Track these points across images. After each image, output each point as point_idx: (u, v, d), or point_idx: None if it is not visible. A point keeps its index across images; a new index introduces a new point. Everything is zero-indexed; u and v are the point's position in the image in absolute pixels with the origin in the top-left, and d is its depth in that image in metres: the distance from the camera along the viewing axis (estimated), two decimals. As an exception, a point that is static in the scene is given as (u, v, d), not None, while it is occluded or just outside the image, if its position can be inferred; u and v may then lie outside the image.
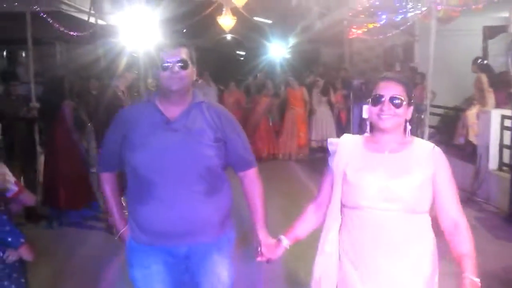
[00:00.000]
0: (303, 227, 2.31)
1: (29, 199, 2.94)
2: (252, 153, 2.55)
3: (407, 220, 2.02)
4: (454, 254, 2.03)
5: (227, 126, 2.40)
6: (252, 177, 2.51)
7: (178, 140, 2.31)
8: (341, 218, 2.13)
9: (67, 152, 5.69)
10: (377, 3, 10.99)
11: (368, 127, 2.16)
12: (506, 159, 6.42)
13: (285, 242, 2.29)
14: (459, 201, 2.09)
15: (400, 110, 2.05)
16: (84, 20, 11.32)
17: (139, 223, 2.36)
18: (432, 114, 8.43)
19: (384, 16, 11.07)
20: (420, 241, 2.05)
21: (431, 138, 8.47)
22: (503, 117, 6.49)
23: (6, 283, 2.59)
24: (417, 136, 7.92)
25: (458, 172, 7.43)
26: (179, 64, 2.29)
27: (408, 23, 10.48)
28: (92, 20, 11.44)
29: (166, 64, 2.27)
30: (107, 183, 2.53)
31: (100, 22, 11.95)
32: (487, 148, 6.61)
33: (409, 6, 9.68)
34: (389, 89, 2.06)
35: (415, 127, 9.00)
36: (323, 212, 2.23)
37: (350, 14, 12.87)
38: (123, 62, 11.38)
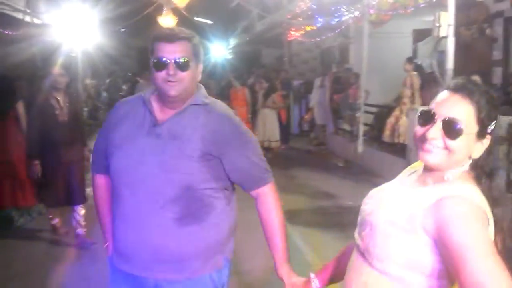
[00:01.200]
0: (341, 267, 1.66)
1: None
2: (266, 167, 2.04)
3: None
4: None
5: (228, 137, 1.92)
6: (264, 198, 2.02)
7: (156, 147, 1.86)
8: None
9: (18, 153, 5.54)
10: (314, 6, 11.40)
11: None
12: (432, 153, 6.92)
13: (316, 283, 1.79)
14: None
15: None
16: (18, 19, 11.01)
17: (113, 239, 2.01)
18: (366, 112, 8.91)
19: (320, 19, 11.52)
20: None
21: (365, 135, 8.96)
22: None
23: None
24: (352, 133, 8.31)
25: (389, 165, 7.95)
26: (177, 63, 1.84)
27: (343, 26, 10.99)
28: (27, 18, 11.15)
29: (161, 62, 1.84)
30: (97, 186, 2.12)
31: (35, 20, 11.66)
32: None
33: (344, 10, 10.14)
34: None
35: (351, 125, 9.47)
36: None
37: (289, 16, 13.24)
38: (59, 62, 11.23)
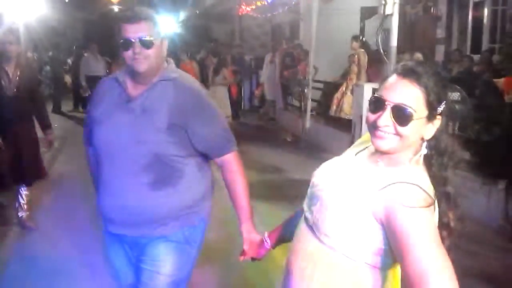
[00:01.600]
0: (290, 229, 1.77)
1: None
2: (229, 137, 2.21)
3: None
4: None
5: (193, 110, 2.07)
6: (228, 165, 2.19)
7: (129, 121, 2.04)
8: None
9: None
10: (265, -20, 11.37)
11: None
12: (376, 128, 7.14)
13: (268, 242, 1.96)
14: None
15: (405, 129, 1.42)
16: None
17: (99, 204, 2.23)
18: (314, 88, 9.05)
19: (271, -6, 11.50)
20: None
21: (312, 111, 9.11)
22: (374, 90, 7.15)
23: None
24: (301, 109, 8.36)
25: (335, 140, 8.14)
26: (142, 41, 1.98)
27: (294, 2, 11.02)
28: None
29: (127, 42, 1.98)
30: (89, 157, 2.32)
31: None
32: (360, 118, 7.29)
33: (294, -15, 10.16)
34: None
35: (300, 100, 9.60)
36: None
37: (239, -10, 13.14)
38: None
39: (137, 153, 2.03)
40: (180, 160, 2.09)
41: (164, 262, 2.15)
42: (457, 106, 4.83)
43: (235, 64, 11.69)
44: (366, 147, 1.58)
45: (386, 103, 1.38)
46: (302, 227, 1.57)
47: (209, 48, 15.18)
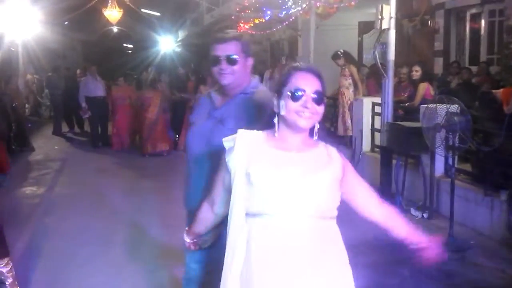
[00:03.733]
0: (201, 226, 2.14)
1: None
2: None
3: (320, 227, 1.80)
4: (400, 233, 2.10)
5: (252, 121, 2.16)
6: None
7: (208, 127, 2.34)
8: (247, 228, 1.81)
9: None
10: (262, -1, 11.45)
11: (277, 124, 1.86)
12: (377, 142, 7.12)
13: (188, 239, 2.21)
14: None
15: (321, 108, 1.83)
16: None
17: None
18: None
19: (269, 12, 11.56)
20: (335, 251, 1.86)
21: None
22: (374, 104, 7.18)
23: None
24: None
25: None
26: (228, 59, 2.28)
27: (291, 19, 11.08)
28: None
29: (215, 59, 2.30)
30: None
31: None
32: (360, 132, 7.29)
33: (291, 3, 10.22)
34: (310, 83, 1.82)
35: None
36: (217, 212, 2.02)
37: (237, 9, 13.22)
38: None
39: (208, 157, 2.29)
40: None
41: None
42: (456, 118, 4.80)
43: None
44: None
45: (307, 91, 1.81)
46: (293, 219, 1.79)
47: (208, 66, 15.25)
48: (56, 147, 10.80)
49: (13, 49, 12.83)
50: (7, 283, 3.49)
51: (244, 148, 1.84)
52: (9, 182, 7.21)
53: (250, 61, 2.40)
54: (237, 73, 2.30)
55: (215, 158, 2.08)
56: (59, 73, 14.32)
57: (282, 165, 1.78)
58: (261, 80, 12.08)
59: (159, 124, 9.68)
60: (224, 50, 2.29)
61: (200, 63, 16.73)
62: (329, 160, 1.85)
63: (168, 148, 9.75)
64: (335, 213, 1.91)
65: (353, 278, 1.88)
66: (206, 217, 2.08)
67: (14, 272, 3.52)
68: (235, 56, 2.29)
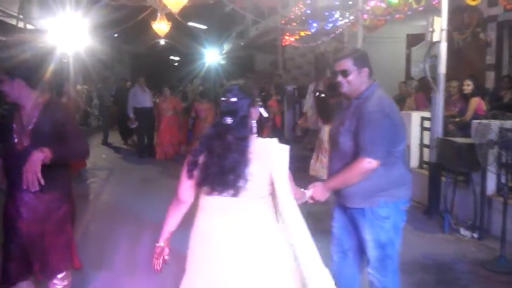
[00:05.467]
0: (172, 224, 2.63)
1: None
2: (367, 145, 2.88)
3: (252, 205, 2.36)
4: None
5: (360, 122, 2.91)
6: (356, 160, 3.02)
7: (340, 123, 3.08)
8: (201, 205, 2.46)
9: None
10: (309, 11, 11.41)
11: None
12: (425, 158, 6.89)
13: (162, 244, 2.62)
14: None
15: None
16: (12, 25, 10.96)
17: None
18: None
19: (315, 24, 11.52)
20: (265, 224, 2.39)
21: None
22: (423, 118, 6.97)
23: None
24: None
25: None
26: (341, 72, 3.01)
27: (337, 31, 10.99)
28: (20, 24, 11.10)
29: (335, 73, 3.05)
30: None
31: (28, 26, 11.62)
32: (408, 148, 7.06)
33: (337, 15, 10.14)
34: None
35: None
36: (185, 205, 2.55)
37: (283, 21, 13.24)
38: (51, 67, 11.18)
39: (337, 147, 3.09)
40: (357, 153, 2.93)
41: (366, 234, 3.07)
42: (510, 135, 4.60)
43: (278, 94, 11.72)
44: None
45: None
46: (232, 201, 2.34)
47: (250, 79, 15.35)
48: (103, 156, 11.06)
49: (65, 60, 13.29)
50: None
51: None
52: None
53: (365, 71, 3.01)
54: (351, 83, 2.99)
55: (343, 155, 3.00)
56: (107, 84, 14.74)
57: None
58: (305, 93, 12.10)
59: None
60: (339, 66, 3.04)
61: (243, 75, 16.87)
62: (262, 153, 2.37)
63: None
64: (267, 192, 2.41)
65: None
66: (177, 214, 2.66)
67: None
68: (347, 69, 2.99)
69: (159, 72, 22.26)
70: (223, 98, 2.39)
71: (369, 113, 2.88)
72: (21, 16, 11.18)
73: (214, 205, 2.37)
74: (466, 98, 7.12)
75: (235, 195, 2.31)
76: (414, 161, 7.03)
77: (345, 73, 2.99)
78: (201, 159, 2.38)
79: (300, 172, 8.93)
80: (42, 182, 2.76)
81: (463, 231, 5.50)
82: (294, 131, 13.49)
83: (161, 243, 2.60)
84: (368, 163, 2.86)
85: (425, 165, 6.90)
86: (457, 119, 7.01)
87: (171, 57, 31.71)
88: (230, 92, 2.38)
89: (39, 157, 2.77)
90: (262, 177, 2.34)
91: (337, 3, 10.36)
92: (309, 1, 11.60)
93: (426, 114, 6.86)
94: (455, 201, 5.83)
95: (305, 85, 13.42)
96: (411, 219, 6.06)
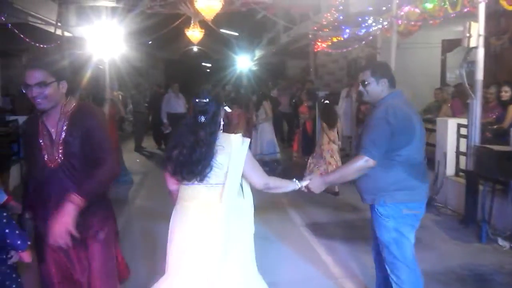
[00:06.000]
0: None
1: (17, 207, 3.01)
2: (368, 144, 3.23)
3: (216, 189, 2.82)
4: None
5: (367, 123, 3.33)
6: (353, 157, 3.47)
7: (362, 129, 3.44)
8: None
9: None
10: (341, 17, 11.35)
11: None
12: (462, 165, 6.76)
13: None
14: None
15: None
16: (50, 32, 11.29)
17: None
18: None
19: (348, 30, 11.44)
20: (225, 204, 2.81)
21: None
22: (459, 125, 6.84)
23: (8, 283, 2.72)
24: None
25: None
26: (361, 83, 3.39)
27: (371, 37, 10.90)
28: (58, 32, 11.42)
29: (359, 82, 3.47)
30: None
31: (66, 34, 11.94)
32: (444, 155, 6.94)
33: (371, 21, 10.05)
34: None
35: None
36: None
37: (315, 28, 13.20)
38: (88, 74, 11.47)
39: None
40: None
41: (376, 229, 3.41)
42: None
43: (309, 100, 11.65)
44: None
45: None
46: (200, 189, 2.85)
47: (281, 85, 15.36)
48: (138, 160, 11.24)
49: (101, 67, 13.61)
50: None
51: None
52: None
53: (383, 81, 3.33)
54: (369, 92, 3.35)
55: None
56: (141, 91, 14.98)
57: None
58: (337, 99, 12.03)
59: None
60: (360, 76, 3.36)
61: (275, 81, 16.89)
62: (225, 146, 2.84)
63: None
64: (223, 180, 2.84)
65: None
66: None
67: None
68: (365, 80, 3.34)
69: (192, 78, 22.49)
70: (197, 100, 2.86)
71: (374, 119, 3.25)
72: (59, 24, 11.50)
73: (186, 192, 2.89)
74: (504, 104, 6.96)
75: (201, 181, 2.80)
76: (450, 169, 6.91)
77: (363, 83, 3.35)
78: (174, 154, 2.85)
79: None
80: (76, 235, 2.51)
81: (501, 241, 5.37)
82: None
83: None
84: (365, 161, 3.17)
85: (461, 173, 6.76)
86: (494, 126, 6.85)
87: (203, 63, 32.01)
88: (202, 95, 2.86)
89: (71, 210, 2.48)
90: (225, 166, 2.79)
91: (371, 8, 10.26)
92: (341, 7, 11.54)
93: (463, 121, 6.73)
94: (492, 210, 5.70)
95: (337, 92, 13.34)
96: (447, 228, 5.99)
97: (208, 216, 2.80)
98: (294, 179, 3.20)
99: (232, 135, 2.92)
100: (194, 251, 2.77)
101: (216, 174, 2.79)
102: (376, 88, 3.34)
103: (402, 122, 3.18)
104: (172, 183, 3.00)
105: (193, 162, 2.77)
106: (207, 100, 2.85)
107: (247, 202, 2.96)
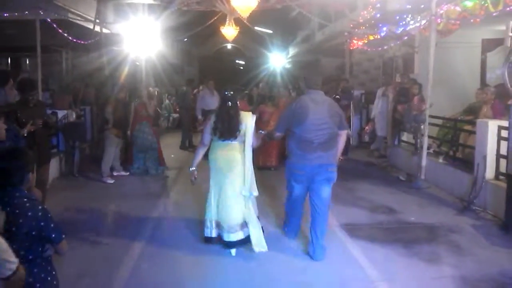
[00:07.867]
0: (199, 158, 5.26)
1: (37, 194, 3.04)
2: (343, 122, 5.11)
3: (239, 145, 5.04)
4: None
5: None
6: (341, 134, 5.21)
7: None
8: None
9: None
10: (378, 15, 11.17)
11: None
12: (502, 169, 6.55)
13: (194, 168, 5.21)
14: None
15: None
16: (89, 29, 11.53)
17: None
18: (431, 124, 8.59)
19: (385, 28, 11.26)
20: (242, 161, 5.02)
21: (429, 148, 8.64)
22: (500, 127, 6.64)
23: (43, 275, 2.74)
24: (416, 146, 8.20)
25: (455, 181, 7.57)
26: None
27: (408, 35, 10.69)
28: (97, 28, 11.65)
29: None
30: None
31: (104, 30, 12.17)
32: (484, 158, 6.75)
33: (409, 19, 9.86)
34: None
35: (414, 137, 9.18)
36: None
37: (351, 25, 13.04)
38: (125, 70, 11.66)
39: None
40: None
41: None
42: None
43: (344, 98, 11.54)
44: None
45: None
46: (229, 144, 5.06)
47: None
48: (172, 155, 11.35)
49: (137, 63, 13.81)
50: None
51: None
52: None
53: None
54: None
55: None
56: (178, 88, 15.07)
57: None
58: (372, 98, 11.86)
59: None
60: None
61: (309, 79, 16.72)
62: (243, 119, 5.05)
63: (275, 164, 9.80)
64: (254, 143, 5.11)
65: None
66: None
67: None
68: None
69: (226, 75, 22.60)
70: (226, 93, 5.06)
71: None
72: (97, 21, 11.73)
73: (220, 145, 5.03)
74: (547, 106, 6.70)
75: (233, 140, 4.98)
76: (490, 172, 6.71)
77: None
78: (219, 125, 4.94)
79: (368, 178, 8.80)
80: None
81: (543, 248, 5.19)
82: (360, 137, 13.27)
83: (194, 167, 5.17)
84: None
85: (501, 177, 6.57)
86: (537, 129, 6.61)
87: (237, 61, 32.14)
88: (228, 90, 5.08)
89: None
90: (243, 131, 4.93)
91: (409, 6, 10.06)
92: (378, 5, 11.35)
93: (504, 123, 6.52)
94: (535, 216, 5.50)
95: (372, 91, 13.15)
96: (487, 233, 5.83)
97: (238, 155, 5.01)
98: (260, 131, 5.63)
99: (246, 112, 5.16)
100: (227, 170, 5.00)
101: (240, 135, 4.94)
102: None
103: (300, 109, 4.88)
104: (207, 139, 5.07)
105: (232, 129, 4.91)
106: (232, 93, 5.07)
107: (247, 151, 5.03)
